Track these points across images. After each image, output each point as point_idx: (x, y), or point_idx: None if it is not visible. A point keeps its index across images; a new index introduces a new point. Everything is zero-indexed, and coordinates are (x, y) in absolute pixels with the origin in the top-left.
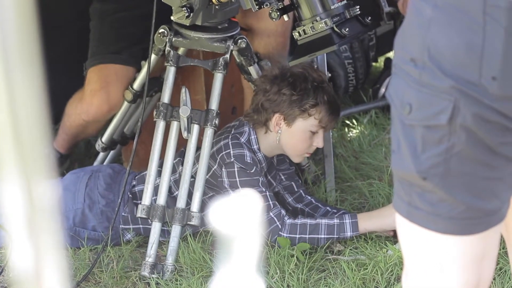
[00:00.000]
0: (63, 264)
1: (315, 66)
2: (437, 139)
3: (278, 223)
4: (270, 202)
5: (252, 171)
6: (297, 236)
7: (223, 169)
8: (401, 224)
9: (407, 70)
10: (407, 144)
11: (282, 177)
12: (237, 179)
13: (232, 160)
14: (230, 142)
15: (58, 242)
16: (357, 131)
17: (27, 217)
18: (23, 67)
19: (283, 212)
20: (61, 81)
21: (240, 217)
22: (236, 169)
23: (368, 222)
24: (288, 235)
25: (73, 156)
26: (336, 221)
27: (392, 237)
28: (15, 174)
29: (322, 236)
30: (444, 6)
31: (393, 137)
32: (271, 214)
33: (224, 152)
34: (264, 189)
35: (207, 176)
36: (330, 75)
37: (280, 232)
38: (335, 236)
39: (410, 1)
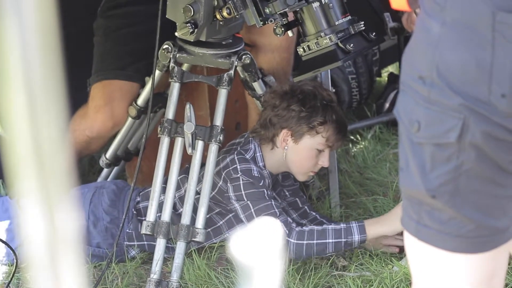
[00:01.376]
0: None
1: (320, 82)
2: (446, 157)
3: (285, 229)
4: (276, 210)
5: (260, 184)
6: (305, 242)
7: (228, 184)
8: (410, 242)
9: (416, 88)
10: (415, 162)
11: (287, 193)
12: (243, 192)
13: (239, 175)
14: (236, 158)
15: (80, 272)
16: (361, 146)
17: (48, 246)
18: (46, 92)
19: (290, 219)
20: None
21: (260, 248)
22: (241, 182)
23: (375, 225)
24: (295, 241)
25: (76, 172)
26: (343, 225)
27: (398, 253)
28: (38, 203)
29: (330, 240)
30: (453, 23)
31: (401, 155)
32: (278, 221)
33: (231, 168)
34: (270, 200)
35: (213, 193)
36: (334, 90)
37: (287, 238)
38: (342, 239)
39: (418, 18)
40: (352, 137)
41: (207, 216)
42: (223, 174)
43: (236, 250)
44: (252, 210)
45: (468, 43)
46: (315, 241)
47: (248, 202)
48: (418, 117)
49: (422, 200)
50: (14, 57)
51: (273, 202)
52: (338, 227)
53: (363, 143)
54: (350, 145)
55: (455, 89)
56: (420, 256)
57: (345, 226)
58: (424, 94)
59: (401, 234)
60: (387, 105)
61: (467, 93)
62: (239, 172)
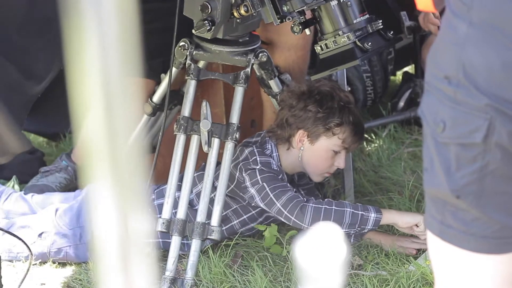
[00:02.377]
0: None
1: (337, 82)
2: (471, 157)
3: (303, 198)
4: (292, 190)
5: (279, 177)
6: (323, 206)
7: (243, 174)
8: (433, 242)
9: (441, 88)
10: (440, 162)
11: (302, 192)
12: (259, 177)
13: (259, 166)
14: (255, 150)
15: (150, 274)
16: (376, 145)
17: (121, 248)
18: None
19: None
20: None
21: (324, 255)
22: (257, 169)
23: (391, 212)
24: (314, 205)
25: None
26: (359, 204)
27: (414, 256)
28: (112, 206)
29: (348, 209)
30: (480, 23)
31: (425, 155)
32: (293, 192)
33: (250, 160)
34: (285, 182)
35: (231, 186)
36: (349, 88)
37: (306, 203)
38: (360, 212)
39: (443, 18)
40: (366, 136)
41: (224, 214)
42: (241, 165)
43: (300, 255)
44: (267, 189)
45: (495, 43)
46: (333, 207)
47: (264, 183)
48: (443, 117)
49: (446, 201)
50: (92, 58)
51: (288, 184)
52: (355, 204)
53: (377, 141)
54: (365, 144)
55: (481, 89)
56: (444, 256)
57: (362, 205)
58: (449, 94)
59: (418, 237)
60: (401, 103)
61: (493, 94)
62: (259, 164)
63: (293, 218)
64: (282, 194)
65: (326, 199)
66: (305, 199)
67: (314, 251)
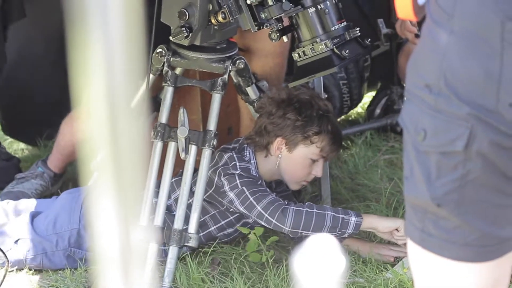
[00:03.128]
0: None
1: (316, 91)
2: (452, 166)
3: (284, 201)
4: (272, 194)
5: (259, 182)
6: (304, 209)
7: (222, 178)
8: (414, 250)
9: (422, 96)
10: (421, 170)
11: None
12: (238, 181)
13: (238, 171)
14: (235, 156)
15: (151, 283)
16: (352, 152)
17: (122, 257)
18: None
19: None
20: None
21: (322, 266)
22: (236, 173)
23: (371, 217)
24: (295, 207)
25: (66, 176)
26: (340, 209)
27: (392, 263)
28: (114, 216)
29: (329, 212)
30: (461, 32)
31: (405, 163)
32: (273, 196)
33: (230, 165)
34: (264, 187)
35: (210, 191)
36: (326, 96)
37: (287, 206)
38: (340, 215)
39: (424, 26)
40: (343, 143)
41: (201, 219)
42: (221, 170)
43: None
44: (247, 192)
45: (476, 52)
46: (314, 210)
47: (243, 187)
48: (424, 125)
49: (427, 209)
50: (97, 61)
51: (268, 190)
52: (335, 208)
53: (354, 149)
54: (342, 151)
55: (462, 98)
56: (424, 264)
57: (342, 209)
58: (430, 102)
59: (395, 245)
60: (378, 111)
61: (474, 102)
62: (238, 169)
63: (274, 221)
64: (263, 197)
65: (307, 203)
66: (286, 202)
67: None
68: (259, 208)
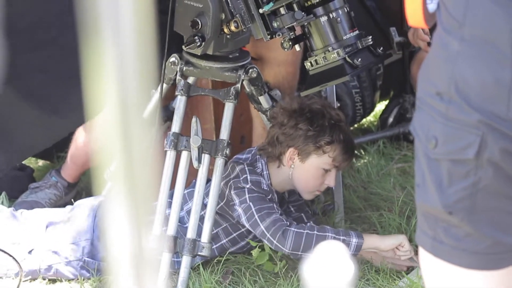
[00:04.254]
0: None
1: (328, 101)
2: (463, 173)
3: (286, 221)
4: (277, 211)
5: (269, 197)
6: (305, 231)
7: (232, 192)
8: (425, 258)
9: (433, 104)
10: (432, 178)
11: (292, 209)
12: (247, 196)
13: (248, 185)
14: (246, 168)
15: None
16: (365, 160)
17: (134, 264)
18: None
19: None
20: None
21: (331, 273)
22: (246, 187)
23: (373, 237)
24: (296, 229)
25: (80, 185)
26: (341, 229)
27: (405, 272)
28: (127, 224)
29: (330, 234)
30: (472, 39)
31: (417, 171)
32: (277, 215)
33: (241, 178)
34: (272, 203)
35: (221, 204)
36: (338, 104)
37: (288, 228)
38: (341, 237)
39: (435, 34)
40: (356, 152)
41: (214, 232)
42: (232, 183)
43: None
44: (253, 209)
45: (487, 59)
46: (315, 232)
47: (250, 203)
48: (435, 133)
49: (438, 217)
50: (109, 70)
51: (275, 206)
52: (336, 229)
53: (367, 157)
54: (354, 160)
55: (473, 105)
56: (435, 272)
57: (344, 230)
58: (441, 110)
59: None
60: (391, 119)
61: (485, 110)
62: (249, 183)
63: (275, 242)
64: (267, 216)
65: (308, 224)
66: (288, 222)
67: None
68: (262, 227)
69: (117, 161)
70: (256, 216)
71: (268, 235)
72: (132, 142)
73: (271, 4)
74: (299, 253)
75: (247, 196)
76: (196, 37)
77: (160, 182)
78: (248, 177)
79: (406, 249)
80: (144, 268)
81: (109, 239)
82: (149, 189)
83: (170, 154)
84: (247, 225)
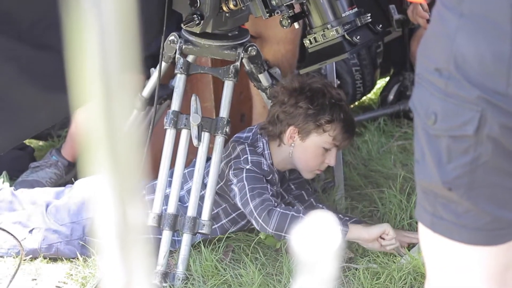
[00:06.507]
0: (153, 283)
1: (324, 74)
2: (463, 150)
3: (274, 201)
4: (270, 192)
5: (268, 178)
6: (290, 212)
7: (231, 172)
8: (424, 234)
9: (432, 80)
10: (432, 154)
11: (292, 186)
12: (244, 175)
13: (249, 166)
14: (247, 148)
15: (149, 261)
16: (366, 138)
17: (120, 237)
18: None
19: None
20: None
21: (319, 242)
22: (245, 168)
23: (358, 228)
24: (281, 210)
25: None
26: None
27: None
28: (111, 195)
29: None
30: (471, 15)
31: (416, 147)
32: (267, 195)
33: (242, 158)
34: (266, 184)
35: (221, 183)
36: (338, 82)
37: (274, 208)
38: None
39: (434, 10)
40: (356, 129)
41: (214, 212)
42: (232, 163)
43: (297, 244)
44: (247, 188)
45: (486, 35)
46: (300, 215)
47: (245, 182)
48: (434, 109)
49: (438, 193)
50: (91, 52)
51: (269, 187)
52: None
53: (367, 135)
54: (355, 137)
55: (472, 81)
56: (435, 248)
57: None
58: (440, 86)
59: (409, 231)
60: (391, 97)
61: (484, 86)
62: (249, 163)
63: (260, 221)
64: (258, 196)
65: (295, 207)
66: (275, 203)
67: (309, 241)
68: (251, 206)
69: (100, 136)
70: (248, 195)
71: (255, 213)
72: (115, 116)
73: None
74: (282, 234)
75: (244, 175)
76: (195, 15)
77: (158, 161)
78: (249, 158)
79: (391, 236)
80: (130, 243)
81: (96, 214)
82: (133, 163)
83: (170, 132)
84: (239, 204)
